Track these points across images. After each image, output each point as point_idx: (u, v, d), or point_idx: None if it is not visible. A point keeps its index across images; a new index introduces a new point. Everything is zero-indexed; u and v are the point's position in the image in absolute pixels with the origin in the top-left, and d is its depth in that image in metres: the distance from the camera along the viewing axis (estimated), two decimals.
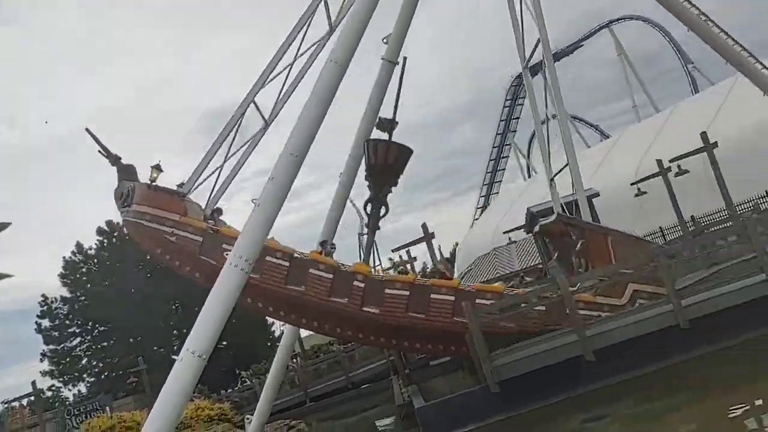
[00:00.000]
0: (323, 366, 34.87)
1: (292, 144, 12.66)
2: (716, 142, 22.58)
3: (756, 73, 22.54)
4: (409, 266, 30.84)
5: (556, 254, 19.41)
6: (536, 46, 21.91)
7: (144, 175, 17.50)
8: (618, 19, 64.86)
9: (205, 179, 18.01)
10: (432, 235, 21.99)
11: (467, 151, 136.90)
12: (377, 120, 18.45)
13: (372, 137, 18.24)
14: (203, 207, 17.82)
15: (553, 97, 21.75)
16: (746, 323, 14.77)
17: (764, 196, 26.60)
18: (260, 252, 11.98)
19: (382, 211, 18.36)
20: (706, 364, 14.33)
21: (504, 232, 36.18)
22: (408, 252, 28.08)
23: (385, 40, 20.18)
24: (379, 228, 19.19)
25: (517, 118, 70.13)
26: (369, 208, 18.57)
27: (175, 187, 17.41)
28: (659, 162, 25.40)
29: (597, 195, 22.02)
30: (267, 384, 22.50)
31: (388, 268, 48.76)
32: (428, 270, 41.22)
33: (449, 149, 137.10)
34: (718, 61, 24.17)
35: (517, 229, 29.31)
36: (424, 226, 22.15)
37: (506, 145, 70.12)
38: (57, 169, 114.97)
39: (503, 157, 70.80)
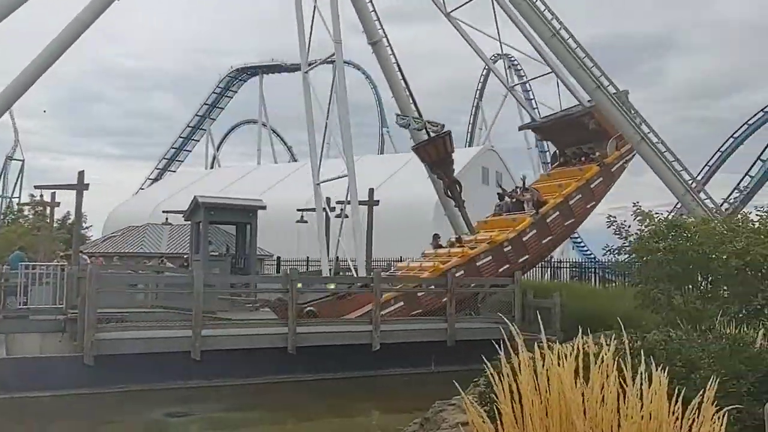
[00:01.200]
0: None
1: None
2: (378, 201, 24.94)
3: None
4: (48, 209, 28.04)
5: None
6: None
7: None
8: (344, 61, 68.47)
9: None
10: (86, 186, 20.26)
11: (163, 118, 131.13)
12: (404, 120, 23.24)
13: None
14: None
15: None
16: (346, 362, 16.41)
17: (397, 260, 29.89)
18: None
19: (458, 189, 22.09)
20: (315, 390, 15.55)
21: (164, 212, 35.04)
22: (53, 195, 25.46)
23: None
24: (464, 201, 22.58)
25: (222, 108, 69.47)
26: (450, 193, 22.54)
27: None
28: (328, 199, 27.08)
29: (264, 207, 22.59)
30: None
31: (24, 204, 43.69)
32: (69, 220, 37.95)
33: (147, 109, 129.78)
34: (407, 135, 26.99)
35: (178, 212, 28.56)
36: (80, 174, 20.31)
37: (201, 128, 68.81)
38: None
39: (194, 140, 69.31)
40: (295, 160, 66.52)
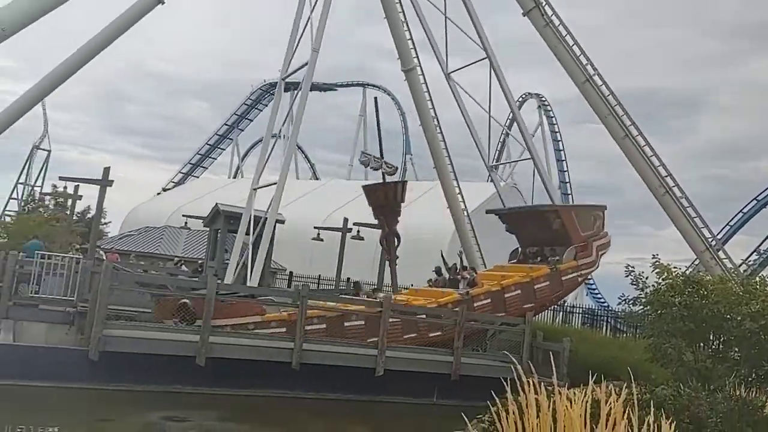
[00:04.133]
0: None
1: (4, 13, 11.08)
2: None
3: (450, 188, 25.70)
4: (70, 201, 28.39)
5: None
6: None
7: None
8: (374, 85, 69.11)
9: None
10: (110, 182, 20.49)
11: (193, 125, 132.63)
12: (365, 158, 21.24)
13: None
14: None
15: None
16: (348, 384, 16.33)
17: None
18: None
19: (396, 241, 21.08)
20: (314, 409, 15.60)
21: (184, 215, 35.30)
22: (76, 188, 25.80)
23: None
24: (398, 257, 21.53)
25: (250, 120, 70.21)
26: (386, 243, 21.15)
27: None
28: (345, 219, 27.17)
29: (282, 222, 22.65)
30: None
31: (47, 194, 44.24)
32: (89, 215, 38.32)
33: (177, 113, 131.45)
34: (430, 164, 27.12)
35: (198, 218, 28.81)
36: (106, 170, 20.55)
37: (228, 138, 69.51)
38: None
39: (220, 148, 70.01)
40: (317, 179, 66.95)
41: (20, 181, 71.63)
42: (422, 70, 25.06)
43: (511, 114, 24.69)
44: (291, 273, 32.77)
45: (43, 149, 73.48)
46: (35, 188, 68.47)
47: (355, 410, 15.97)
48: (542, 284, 19.76)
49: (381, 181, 21.14)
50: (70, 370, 14.26)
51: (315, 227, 30.98)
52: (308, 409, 15.49)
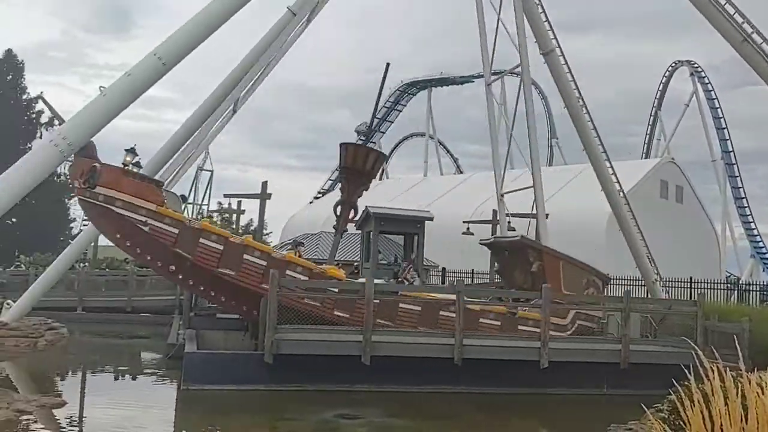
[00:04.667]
0: (107, 280, 33.34)
1: (163, 49, 12.08)
2: (548, 214, 24.38)
3: (603, 169, 24.69)
4: (234, 216, 30.35)
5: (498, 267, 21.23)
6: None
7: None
8: (512, 72, 67.73)
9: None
10: (268, 196, 21.75)
11: (339, 132, 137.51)
12: (359, 127, 19.65)
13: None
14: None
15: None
16: (512, 378, 16.19)
17: None
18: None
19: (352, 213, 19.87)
20: (479, 403, 15.53)
21: None
22: (239, 203, 27.59)
23: None
24: (346, 230, 20.41)
25: (391, 121, 71.41)
26: (339, 210, 19.86)
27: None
28: (494, 212, 26.92)
29: (431, 219, 22.86)
30: (43, 276, 21.21)
31: (214, 211, 47.53)
32: (252, 227, 40.63)
33: (324, 123, 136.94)
34: (577, 146, 26.22)
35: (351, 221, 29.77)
36: (264, 184, 21.85)
37: (371, 141, 71.14)
38: None
39: None
40: (461, 172, 66.81)
41: (189, 201, 77.56)
42: (562, 51, 24.32)
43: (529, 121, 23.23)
44: (444, 269, 32.98)
45: (207, 170, 79.00)
46: (203, 207, 73.89)
47: (522, 403, 15.79)
48: (489, 320, 17.15)
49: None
50: (249, 373, 15.26)
51: (464, 221, 30.98)
52: (474, 404, 15.50)
